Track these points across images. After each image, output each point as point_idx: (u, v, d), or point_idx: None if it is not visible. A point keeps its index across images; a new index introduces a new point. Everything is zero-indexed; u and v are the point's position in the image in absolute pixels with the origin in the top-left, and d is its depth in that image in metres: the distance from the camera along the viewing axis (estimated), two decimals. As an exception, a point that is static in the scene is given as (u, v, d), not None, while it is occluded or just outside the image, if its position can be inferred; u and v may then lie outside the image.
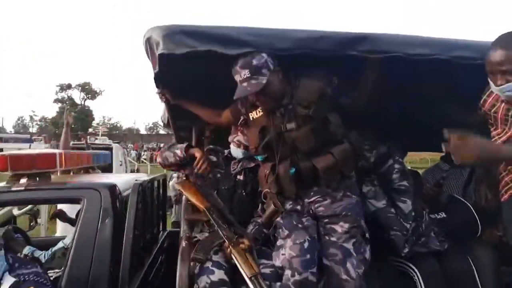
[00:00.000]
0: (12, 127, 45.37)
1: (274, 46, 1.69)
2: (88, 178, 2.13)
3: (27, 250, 2.15)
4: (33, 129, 40.88)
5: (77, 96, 41.16)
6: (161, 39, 1.66)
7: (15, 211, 2.78)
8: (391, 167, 2.08)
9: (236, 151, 2.06)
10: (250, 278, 1.55)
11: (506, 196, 1.65)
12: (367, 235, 1.73)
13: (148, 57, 1.81)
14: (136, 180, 1.98)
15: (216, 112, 2.04)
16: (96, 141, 13.37)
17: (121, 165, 7.66)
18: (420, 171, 2.88)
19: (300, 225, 1.73)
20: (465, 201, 2.20)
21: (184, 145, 2.03)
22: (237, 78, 1.71)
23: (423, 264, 1.93)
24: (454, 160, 1.32)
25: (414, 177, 2.27)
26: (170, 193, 5.08)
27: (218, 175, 2.05)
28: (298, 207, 1.78)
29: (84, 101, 41.79)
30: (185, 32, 1.65)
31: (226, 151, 2.17)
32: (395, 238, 1.92)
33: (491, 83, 1.54)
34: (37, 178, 1.85)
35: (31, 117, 43.88)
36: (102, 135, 23.56)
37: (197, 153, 1.97)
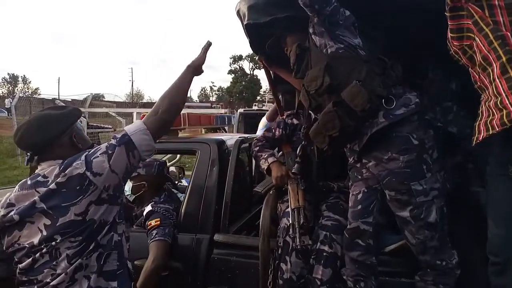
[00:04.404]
0: (197, 96, 53.50)
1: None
2: (206, 135, 2.59)
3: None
4: (213, 98, 47.20)
5: (246, 66, 45.14)
6: (247, 10, 1.90)
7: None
8: None
9: None
10: (292, 209, 1.82)
11: None
12: (427, 198, 1.58)
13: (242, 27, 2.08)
14: (240, 137, 2.33)
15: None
16: (263, 108, 14.73)
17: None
18: None
19: (359, 176, 1.77)
20: None
21: (266, 162, 2.08)
22: None
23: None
24: None
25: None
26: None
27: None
28: (358, 164, 1.78)
29: (253, 71, 45.56)
30: (266, 1, 1.85)
31: None
32: None
33: None
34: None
35: (211, 87, 50.67)
36: (268, 102, 25.64)
37: (274, 172, 2.03)
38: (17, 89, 46.91)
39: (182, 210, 2.15)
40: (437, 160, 1.68)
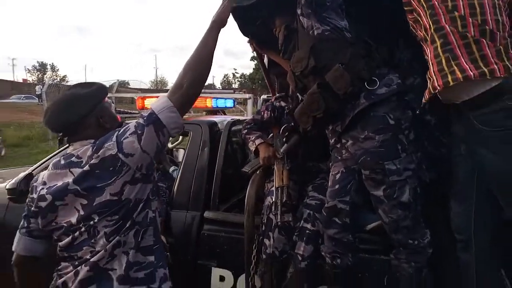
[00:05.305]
0: (220, 83, 53.85)
1: None
2: (201, 117, 2.66)
3: (172, 169, 2.90)
4: (235, 85, 47.21)
5: (269, 52, 44.64)
6: None
7: (169, 145, 3.64)
8: None
9: None
10: (276, 188, 1.89)
11: None
12: (400, 177, 1.60)
13: None
14: (232, 119, 2.39)
15: None
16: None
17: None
18: None
19: (339, 157, 1.80)
20: None
21: (254, 144, 2.18)
22: None
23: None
24: None
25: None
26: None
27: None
28: (338, 145, 1.82)
29: (276, 57, 45.04)
30: None
31: None
32: None
33: None
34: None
35: (233, 74, 50.73)
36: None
37: (262, 153, 2.12)
38: (46, 77, 48.51)
39: (175, 188, 2.25)
40: (413, 142, 1.70)
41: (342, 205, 1.75)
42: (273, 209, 1.90)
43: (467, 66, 1.29)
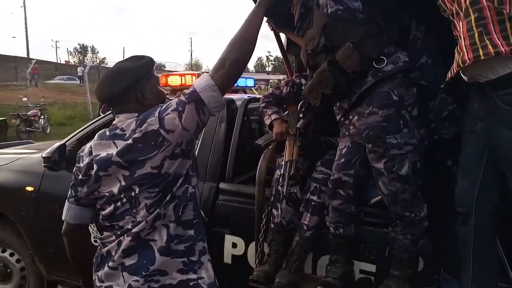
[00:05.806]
0: (253, 66, 53.94)
1: None
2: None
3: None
4: (269, 68, 47.15)
5: (304, 35, 43.97)
6: None
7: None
8: None
9: None
10: (285, 162, 1.99)
11: None
12: (400, 151, 1.67)
13: None
14: (248, 97, 2.50)
15: None
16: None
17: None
18: None
19: (347, 133, 1.86)
20: None
21: (269, 119, 2.26)
22: None
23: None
24: None
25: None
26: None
27: None
28: (346, 121, 1.86)
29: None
30: None
31: None
32: None
33: None
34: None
35: (267, 57, 50.57)
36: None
37: (275, 128, 2.21)
38: (87, 59, 50.52)
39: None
40: (416, 118, 1.74)
41: (346, 178, 1.83)
42: (280, 181, 2.00)
43: (499, 42, 1.29)
